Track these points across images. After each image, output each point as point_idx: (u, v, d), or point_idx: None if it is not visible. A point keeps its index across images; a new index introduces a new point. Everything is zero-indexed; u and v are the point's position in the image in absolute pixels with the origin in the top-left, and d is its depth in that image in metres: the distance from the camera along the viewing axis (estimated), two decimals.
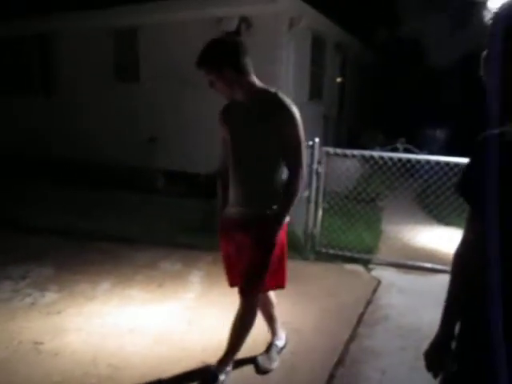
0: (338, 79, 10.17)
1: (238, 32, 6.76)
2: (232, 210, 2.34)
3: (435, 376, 1.33)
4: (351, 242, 4.64)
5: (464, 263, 1.22)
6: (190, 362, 2.64)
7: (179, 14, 7.11)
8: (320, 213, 4.55)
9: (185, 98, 7.19)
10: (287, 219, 2.27)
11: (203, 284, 3.76)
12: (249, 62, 2.19)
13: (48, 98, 8.83)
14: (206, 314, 3.26)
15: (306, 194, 4.52)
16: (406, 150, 5.44)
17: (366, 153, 4.89)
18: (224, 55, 2.14)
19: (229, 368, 2.47)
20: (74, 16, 7.94)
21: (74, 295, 3.47)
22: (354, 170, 6.67)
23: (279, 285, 2.49)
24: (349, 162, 6.20)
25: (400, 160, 4.57)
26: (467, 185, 1.18)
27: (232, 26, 6.71)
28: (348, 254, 4.47)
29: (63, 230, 4.93)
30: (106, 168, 7.76)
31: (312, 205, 4.47)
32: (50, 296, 3.46)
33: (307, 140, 4.67)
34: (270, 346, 2.75)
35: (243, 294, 2.34)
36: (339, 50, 9.54)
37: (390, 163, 4.59)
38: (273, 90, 2.22)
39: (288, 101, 2.17)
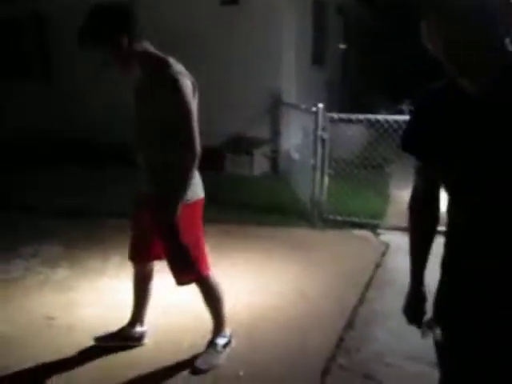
0: (341, 44, 9.95)
1: (236, 0, 6.58)
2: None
3: (419, 327, 1.36)
4: (359, 208, 4.61)
5: (417, 214, 1.31)
6: (202, 330, 2.68)
7: None
8: (326, 180, 4.51)
9: (189, 70, 7.06)
10: (184, 201, 2.04)
11: (210, 255, 3.77)
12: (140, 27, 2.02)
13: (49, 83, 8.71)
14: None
15: (312, 160, 4.48)
16: None
17: (372, 117, 4.81)
18: (117, 22, 1.96)
19: (224, 333, 2.46)
20: None
21: (85, 271, 3.52)
22: (360, 135, 6.60)
23: (198, 274, 2.26)
24: (354, 127, 6.13)
25: (406, 122, 4.48)
26: (412, 138, 1.21)
27: None
28: (356, 219, 4.46)
29: (76, 210, 4.96)
30: (116, 146, 7.67)
31: (318, 172, 4.44)
32: (62, 273, 3.51)
33: (311, 105, 4.65)
34: (209, 344, 2.44)
35: (179, 284, 2.28)
36: (341, 13, 9.29)
37: (395, 126, 4.51)
38: (160, 56, 2.06)
39: (172, 69, 1.96)
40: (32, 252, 3.89)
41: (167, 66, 1.97)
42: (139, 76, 2.11)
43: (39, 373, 2.35)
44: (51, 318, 2.84)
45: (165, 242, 2.17)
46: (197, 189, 2.20)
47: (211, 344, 2.42)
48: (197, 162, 2.04)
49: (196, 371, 2.32)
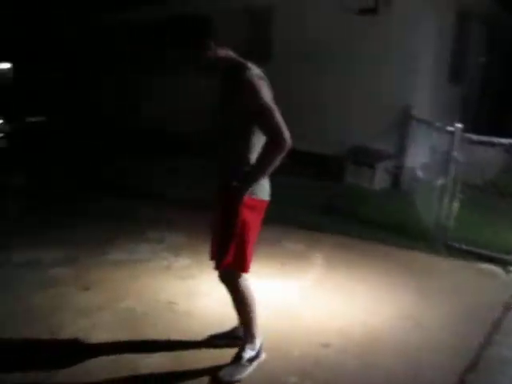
0: (482, 57, 9.19)
1: (375, 9, 6.44)
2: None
3: None
4: (488, 239, 4.22)
5: None
6: (308, 340, 2.67)
7: None
8: (455, 204, 4.20)
9: (313, 77, 7.11)
10: (251, 193, 2.12)
11: (325, 266, 3.75)
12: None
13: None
14: (327, 296, 3.26)
15: (440, 181, 4.21)
16: None
17: None
18: (204, 29, 2.15)
19: (253, 346, 2.41)
20: None
21: (205, 263, 3.69)
22: (496, 160, 6.03)
23: (236, 265, 2.25)
24: (490, 151, 5.62)
25: None
26: None
27: (369, 2, 6.41)
28: (484, 251, 4.07)
29: (194, 201, 5.26)
30: None
31: (447, 195, 4.16)
32: (183, 261, 3.75)
33: (447, 123, 4.38)
34: (235, 356, 2.39)
35: (215, 268, 2.30)
36: (485, 24, 8.58)
37: None
38: (241, 60, 2.16)
39: (251, 72, 2.05)
40: (158, 238, 4.21)
41: (246, 68, 2.07)
42: (222, 77, 2.22)
43: (159, 351, 2.53)
44: (173, 303, 3.05)
45: (220, 228, 2.22)
46: (268, 191, 2.27)
47: (237, 356, 2.38)
48: (283, 154, 2.05)
49: (217, 382, 2.31)
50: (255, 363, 2.40)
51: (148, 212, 5.02)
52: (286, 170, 7.31)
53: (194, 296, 3.17)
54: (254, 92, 2.02)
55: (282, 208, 5.07)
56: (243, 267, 2.26)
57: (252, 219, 2.19)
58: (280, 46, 7.65)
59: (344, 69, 6.71)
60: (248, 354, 2.39)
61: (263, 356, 2.44)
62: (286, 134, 2.02)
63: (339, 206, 5.22)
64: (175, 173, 6.73)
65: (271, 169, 2.07)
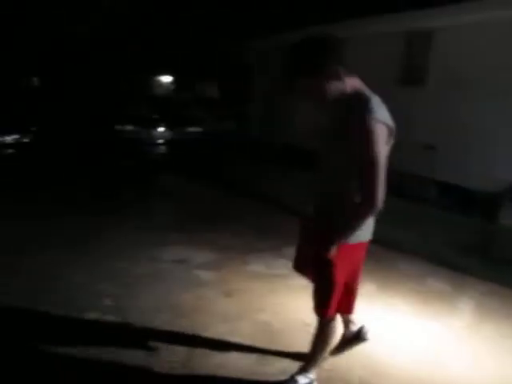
0: None
1: None
2: None
3: None
4: None
5: None
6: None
7: (476, 15, 6.52)
8: None
9: (471, 106, 6.61)
10: (345, 240, 2.06)
11: (472, 314, 3.40)
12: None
13: None
14: (474, 348, 2.94)
15: None
16: None
17: None
18: (328, 52, 1.90)
19: (309, 376, 2.40)
20: (366, 21, 8.23)
21: None
22: None
23: (342, 310, 2.34)
24: None
25: None
26: None
27: None
28: None
29: None
30: None
31: None
32: None
33: None
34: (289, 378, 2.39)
35: (314, 311, 2.28)
36: None
37: None
38: (362, 89, 1.99)
39: (371, 108, 1.86)
40: (292, 254, 4.25)
41: (370, 108, 1.87)
42: (334, 107, 2.05)
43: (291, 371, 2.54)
44: (307, 325, 3.03)
45: (315, 271, 2.24)
46: (363, 232, 2.12)
47: (291, 378, 2.38)
48: (374, 212, 1.99)
49: None
50: None
51: (288, 227, 5.12)
52: (431, 199, 6.90)
53: None
54: (372, 142, 1.87)
55: (423, 241, 4.80)
56: (323, 312, 2.25)
57: (346, 261, 2.15)
58: (435, 72, 7.29)
59: (507, 98, 6.12)
60: (304, 380, 2.38)
61: None
62: (380, 195, 1.91)
63: (493, 249, 4.71)
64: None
65: (360, 222, 2.03)
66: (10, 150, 7.37)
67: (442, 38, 7.19)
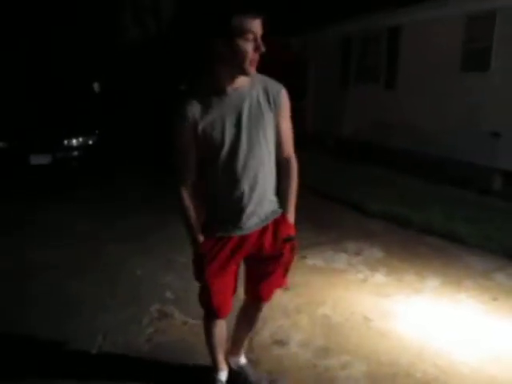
0: None
1: None
2: None
3: None
4: None
5: None
6: None
7: None
8: None
9: None
10: None
11: None
12: None
13: (392, 89, 9.19)
14: None
15: None
16: None
17: None
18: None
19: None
20: (424, 6, 7.90)
21: (402, 283, 3.55)
22: None
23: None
24: None
25: None
26: None
27: None
28: None
29: (393, 217, 5.10)
30: (437, 160, 7.59)
31: None
32: (379, 277, 3.66)
33: None
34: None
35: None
36: None
37: None
38: None
39: None
40: (355, 250, 4.20)
41: None
42: None
43: (355, 365, 2.51)
44: (369, 320, 2.99)
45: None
46: None
47: None
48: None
49: None
50: None
51: (348, 221, 5.09)
52: (497, 190, 6.55)
53: (390, 316, 3.05)
54: None
55: (489, 234, 4.56)
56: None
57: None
58: (500, 56, 6.87)
59: None
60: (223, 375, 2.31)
61: None
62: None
63: None
64: (381, 185, 6.60)
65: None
66: (76, 153, 7.77)
67: (506, 17, 6.77)
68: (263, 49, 1.70)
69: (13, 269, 3.81)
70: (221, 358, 2.28)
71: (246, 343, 2.42)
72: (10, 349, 2.72)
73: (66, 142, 7.41)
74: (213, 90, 1.79)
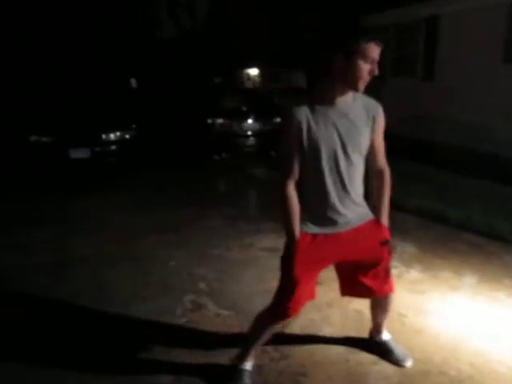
0: None
1: None
2: None
3: None
4: None
5: None
6: None
7: None
8: None
9: None
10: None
11: None
12: None
13: (430, 80, 8.94)
14: None
15: None
16: None
17: None
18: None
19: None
20: None
21: (438, 280, 3.48)
22: None
23: None
24: None
25: None
26: None
27: None
28: None
29: (429, 213, 4.98)
30: (482, 155, 7.32)
31: None
32: (414, 274, 3.60)
33: None
34: None
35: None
36: None
37: None
38: None
39: None
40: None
41: None
42: None
43: (386, 361, 2.49)
44: (403, 316, 2.95)
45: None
46: None
47: None
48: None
49: None
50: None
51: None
52: None
53: (425, 312, 3.01)
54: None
55: None
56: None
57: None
58: None
59: None
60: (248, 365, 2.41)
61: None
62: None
63: None
64: (419, 181, 6.44)
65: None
66: (114, 147, 7.97)
67: None
68: (377, 72, 1.89)
69: (52, 262, 3.96)
70: (254, 352, 2.37)
71: (385, 322, 2.56)
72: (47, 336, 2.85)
73: (104, 136, 7.60)
74: (322, 99, 1.98)
